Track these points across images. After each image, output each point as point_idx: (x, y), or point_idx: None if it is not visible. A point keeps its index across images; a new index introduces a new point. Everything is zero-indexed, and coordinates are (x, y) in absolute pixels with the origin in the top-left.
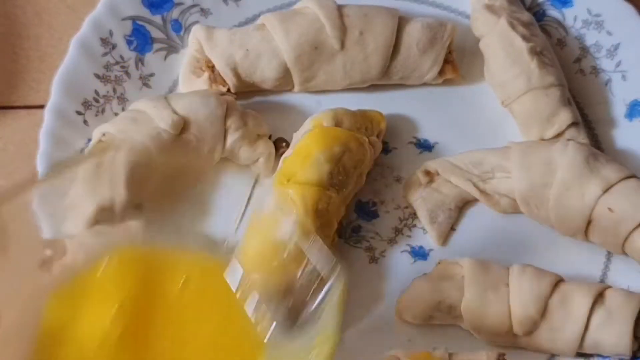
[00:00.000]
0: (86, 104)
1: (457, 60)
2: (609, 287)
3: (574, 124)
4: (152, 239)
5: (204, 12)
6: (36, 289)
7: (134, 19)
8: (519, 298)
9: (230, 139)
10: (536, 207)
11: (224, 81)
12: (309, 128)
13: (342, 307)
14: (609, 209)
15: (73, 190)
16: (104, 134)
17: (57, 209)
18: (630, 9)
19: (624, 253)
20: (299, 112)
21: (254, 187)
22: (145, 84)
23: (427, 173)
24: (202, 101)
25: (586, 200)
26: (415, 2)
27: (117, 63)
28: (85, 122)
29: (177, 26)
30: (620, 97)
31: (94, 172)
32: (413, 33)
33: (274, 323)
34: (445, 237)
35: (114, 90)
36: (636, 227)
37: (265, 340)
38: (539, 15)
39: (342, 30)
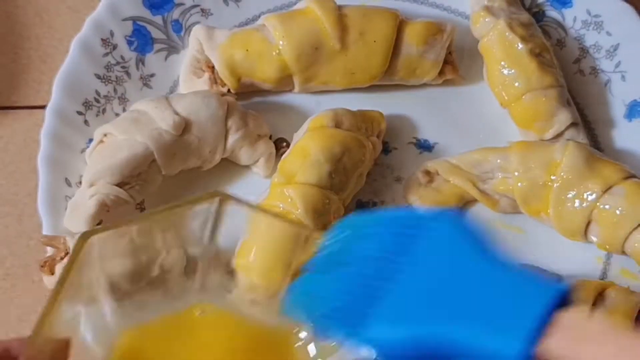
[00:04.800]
0: (87, 104)
1: (457, 61)
2: (610, 285)
3: (573, 124)
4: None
5: (205, 12)
6: None
7: (134, 19)
8: None
9: (231, 139)
10: (536, 208)
11: (225, 82)
12: (309, 128)
13: None
14: (609, 209)
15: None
16: (105, 135)
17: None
18: (629, 9)
19: (624, 253)
20: (299, 112)
21: None
22: (146, 85)
23: (427, 173)
24: (203, 102)
25: (586, 200)
26: (415, 2)
27: (117, 63)
28: (86, 122)
29: (178, 27)
30: (619, 97)
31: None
32: (413, 33)
33: None
34: None
35: (115, 90)
36: (636, 227)
37: None
38: (538, 16)
39: (343, 30)
